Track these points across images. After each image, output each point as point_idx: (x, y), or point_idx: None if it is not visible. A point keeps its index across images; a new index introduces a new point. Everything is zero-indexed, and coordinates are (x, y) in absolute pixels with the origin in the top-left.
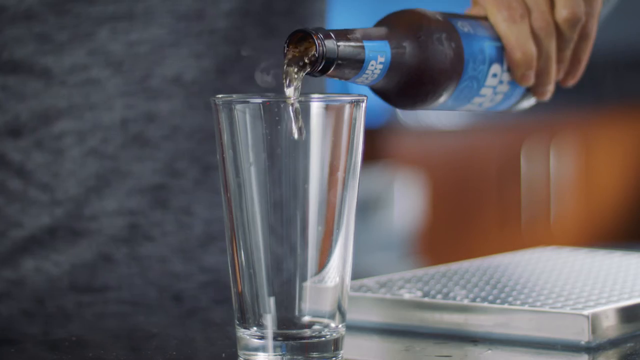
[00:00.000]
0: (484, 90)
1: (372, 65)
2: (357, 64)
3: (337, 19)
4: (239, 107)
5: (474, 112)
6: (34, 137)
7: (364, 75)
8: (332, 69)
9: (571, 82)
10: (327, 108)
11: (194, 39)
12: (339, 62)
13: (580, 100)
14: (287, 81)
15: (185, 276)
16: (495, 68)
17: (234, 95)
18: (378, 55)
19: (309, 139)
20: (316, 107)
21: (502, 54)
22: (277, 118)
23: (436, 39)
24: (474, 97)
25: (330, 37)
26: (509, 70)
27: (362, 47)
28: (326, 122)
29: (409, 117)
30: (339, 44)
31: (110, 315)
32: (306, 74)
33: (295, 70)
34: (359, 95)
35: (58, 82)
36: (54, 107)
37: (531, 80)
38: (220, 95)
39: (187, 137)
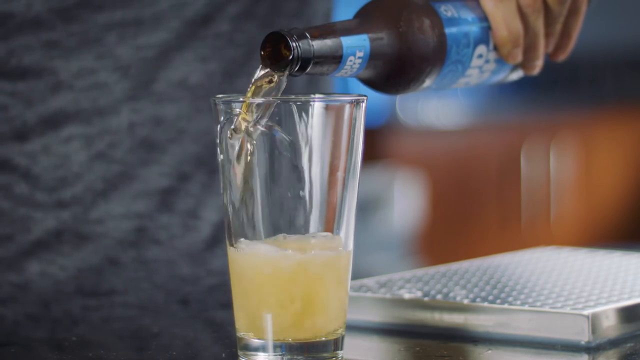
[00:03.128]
0: (469, 72)
1: (351, 60)
2: (334, 60)
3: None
4: (238, 106)
5: (472, 109)
6: (41, 141)
7: (343, 70)
8: (309, 68)
9: (561, 56)
10: (327, 108)
11: (199, 42)
12: (316, 61)
13: (580, 100)
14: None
15: (192, 280)
16: (481, 49)
17: (234, 95)
18: (357, 51)
19: (309, 139)
20: (316, 107)
21: (487, 34)
22: (277, 118)
23: (417, 29)
24: (459, 79)
25: (305, 37)
26: (496, 48)
27: (340, 45)
28: (326, 122)
29: (409, 117)
30: (314, 43)
31: (116, 319)
32: (284, 75)
33: (272, 72)
34: (359, 95)
35: (66, 86)
36: (62, 111)
37: (518, 58)
38: (220, 95)
39: (193, 140)
